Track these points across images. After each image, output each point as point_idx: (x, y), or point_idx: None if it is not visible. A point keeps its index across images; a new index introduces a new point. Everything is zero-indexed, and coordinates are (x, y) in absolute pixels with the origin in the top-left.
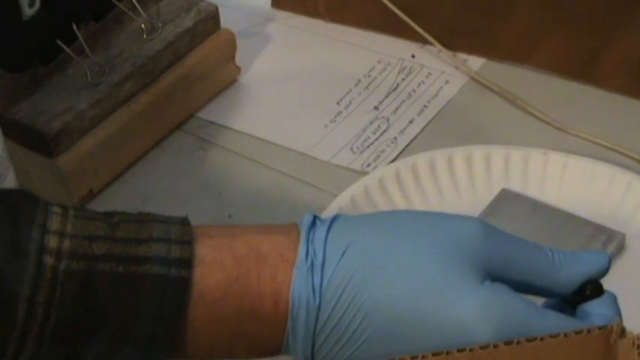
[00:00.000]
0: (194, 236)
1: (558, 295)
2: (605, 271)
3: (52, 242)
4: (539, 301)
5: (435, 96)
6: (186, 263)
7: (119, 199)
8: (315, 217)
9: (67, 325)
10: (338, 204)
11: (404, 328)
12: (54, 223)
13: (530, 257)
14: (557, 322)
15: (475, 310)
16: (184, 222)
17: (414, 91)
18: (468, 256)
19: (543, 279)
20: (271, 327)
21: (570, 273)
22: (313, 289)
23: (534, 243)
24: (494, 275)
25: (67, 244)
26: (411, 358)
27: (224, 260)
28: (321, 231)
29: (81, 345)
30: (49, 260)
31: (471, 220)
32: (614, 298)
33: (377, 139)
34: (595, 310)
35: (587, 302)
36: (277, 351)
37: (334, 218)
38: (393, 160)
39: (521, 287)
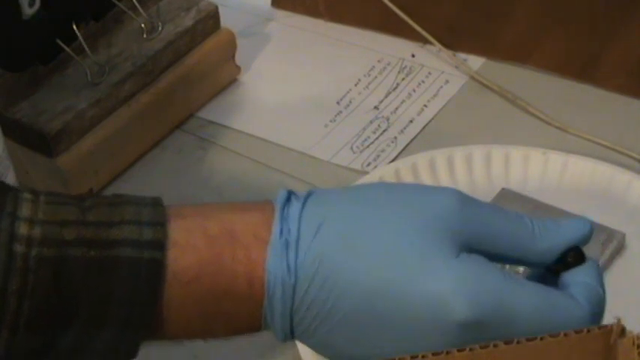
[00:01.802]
0: (167, 217)
1: (539, 264)
2: (586, 238)
3: (23, 229)
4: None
5: (435, 95)
6: (159, 245)
7: None
8: (290, 193)
9: (41, 313)
10: None
11: (380, 304)
12: (24, 210)
13: (510, 227)
14: (534, 293)
15: (450, 284)
16: (157, 203)
17: (414, 90)
18: (443, 228)
19: (523, 248)
20: (248, 306)
21: (551, 241)
22: (288, 266)
23: (514, 212)
24: (472, 246)
25: (37, 230)
26: (411, 357)
27: (197, 241)
28: (295, 207)
29: (57, 332)
30: (19, 248)
31: (447, 191)
32: (597, 266)
33: (377, 138)
34: (576, 278)
35: (569, 270)
36: (256, 329)
37: (309, 193)
38: (393, 160)
39: (501, 257)
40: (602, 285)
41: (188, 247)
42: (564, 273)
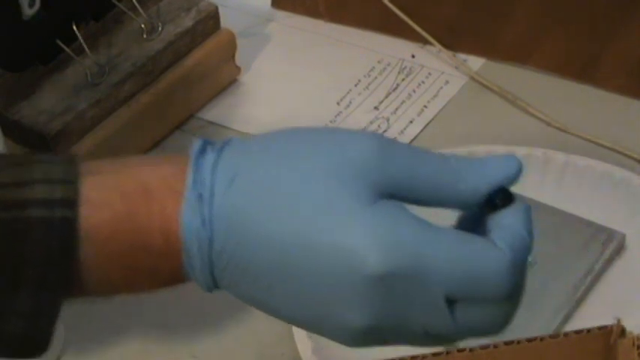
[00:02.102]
0: (79, 175)
1: (465, 207)
2: (514, 177)
3: None
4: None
5: (435, 96)
6: (71, 203)
7: None
8: (206, 143)
9: None
10: None
11: (295, 257)
12: None
13: (433, 169)
14: (451, 242)
15: (362, 235)
16: (70, 161)
17: (414, 91)
18: (359, 174)
19: (447, 191)
20: (167, 261)
21: (476, 182)
22: (202, 220)
23: (437, 153)
24: (391, 192)
25: None
26: (411, 358)
27: (111, 197)
28: (209, 158)
29: None
30: None
31: (365, 136)
32: (527, 208)
33: None
34: (502, 221)
35: (497, 212)
36: (181, 281)
37: (226, 143)
38: None
39: (425, 200)
40: (528, 229)
41: (102, 204)
42: (491, 215)
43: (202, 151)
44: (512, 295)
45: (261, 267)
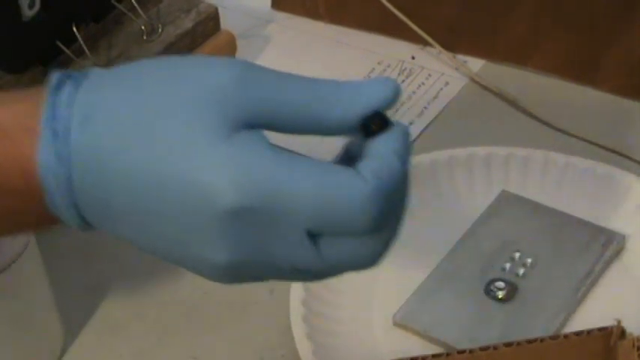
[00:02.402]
0: None
1: (339, 133)
2: (390, 99)
3: None
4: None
5: (435, 97)
6: None
7: None
8: (64, 77)
9: None
10: None
11: (151, 193)
12: None
13: (300, 95)
14: (311, 174)
15: (216, 169)
16: None
17: (414, 92)
18: (216, 106)
19: (317, 117)
20: (29, 202)
21: (348, 107)
22: (59, 158)
23: (307, 78)
24: (255, 122)
25: None
26: (411, 359)
27: None
28: (66, 92)
29: None
30: None
31: (225, 63)
32: (403, 133)
33: None
34: (376, 147)
35: (372, 139)
36: (54, 222)
37: (83, 76)
38: None
39: (294, 129)
40: (401, 155)
41: None
42: (367, 142)
43: (59, 85)
44: (379, 227)
45: (121, 203)
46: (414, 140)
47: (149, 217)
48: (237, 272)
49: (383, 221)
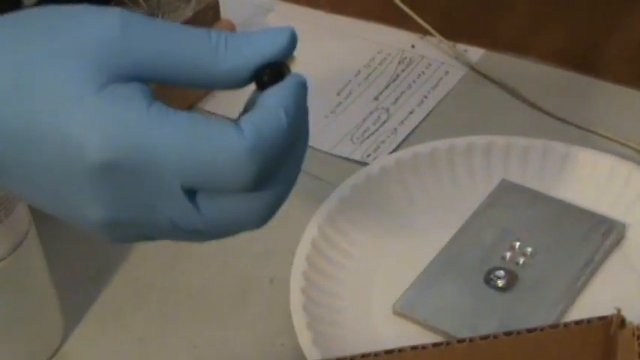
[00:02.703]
0: None
1: (228, 86)
2: (285, 50)
3: None
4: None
5: (435, 87)
6: None
7: None
8: None
9: None
10: (339, 194)
11: (25, 145)
12: None
13: (187, 47)
14: (184, 128)
15: (84, 122)
16: None
17: (414, 81)
18: (92, 57)
19: (205, 70)
20: None
21: (239, 58)
22: None
23: (195, 29)
24: (136, 74)
25: None
26: (412, 348)
27: None
28: None
29: None
30: None
31: (106, 14)
32: (296, 85)
33: (377, 129)
34: (264, 100)
35: (265, 90)
36: None
37: None
38: (393, 151)
39: (180, 81)
40: (289, 108)
41: None
42: (260, 94)
43: None
44: (259, 184)
45: (1, 154)
46: (414, 129)
47: (28, 170)
48: (117, 228)
49: (264, 178)
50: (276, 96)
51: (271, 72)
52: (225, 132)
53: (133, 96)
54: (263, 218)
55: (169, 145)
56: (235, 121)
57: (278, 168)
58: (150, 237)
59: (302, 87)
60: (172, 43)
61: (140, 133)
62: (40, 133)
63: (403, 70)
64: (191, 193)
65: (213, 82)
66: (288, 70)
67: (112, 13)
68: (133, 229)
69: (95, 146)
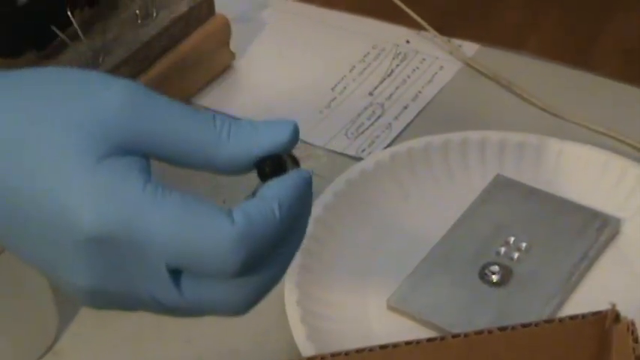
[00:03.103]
0: None
1: (229, 172)
2: (288, 143)
3: None
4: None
5: (430, 82)
6: None
7: None
8: None
9: None
10: (333, 189)
11: (19, 207)
12: None
13: (188, 128)
14: (176, 209)
15: (79, 194)
16: None
17: (409, 76)
18: (94, 129)
19: (206, 153)
20: None
21: (241, 146)
22: None
23: (202, 112)
24: (137, 149)
25: None
26: (406, 343)
27: None
28: None
29: None
30: None
31: (114, 85)
32: (298, 181)
33: (372, 124)
34: (263, 191)
35: (267, 182)
36: None
37: None
38: (387, 146)
39: (181, 162)
40: (283, 203)
41: None
42: (264, 184)
43: None
44: (244, 272)
45: None
46: (409, 124)
47: (20, 230)
48: (100, 298)
49: (250, 267)
50: (274, 189)
51: (272, 163)
52: (215, 217)
53: (130, 172)
54: (246, 305)
55: (160, 226)
56: (229, 208)
57: (267, 257)
58: (131, 308)
59: (304, 183)
60: (176, 124)
61: (134, 212)
62: (36, 198)
63: (398, 65)
64: (176, 273)
65: (213, 167)
66: (296, 163)
67: (119, 84)
68: (115, 300)
69: (89, 219)
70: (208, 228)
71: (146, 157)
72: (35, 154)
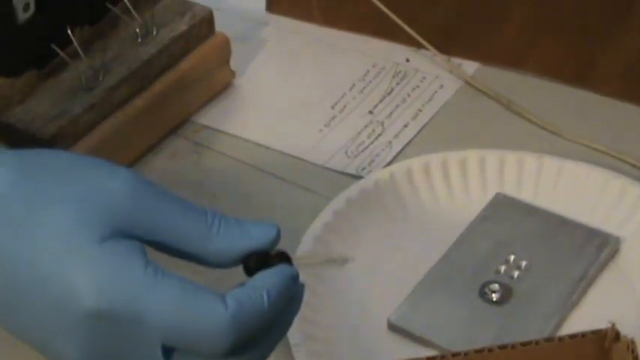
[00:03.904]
0: None
1: (216, 265)
2: (271, 243)
3: None
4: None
5: (430, 100)
6: None
7: None
8: None
9: None
10: (333, 207)
11: (20, 280)
12: None
13: (182, 220)
14: (173, 291)
15: (82, 271)
16: None
17: (409, 95)
18: (96, 211)
19: (196, 246)
20: None
21: (229, 242)
22: None
23: (196, 207)
24: (134, 234)
25: None
26: None
27: None
28: None
29: None
30: None
31: (119, 174)
32: (284, 275)
33: (372, 143)
34: (254, 279)
35: (253, 275)
36: None
37: None
38: (387, 164)
39: (172, 251)
40: (271, 292)
41: None
42: (251, 278)
43: None
44: (234, 353)
45: None
46: (409, 143)
47: (16, 302)
48: None
49: (239, 348)
50: (263, 279)
51: (257, 259)
52: (210, 301)
53: (131, 254)
54: None
55: (160, 306)
56: (222, 294)
57: (254, 340)
58: None
59: (290, 279)
60: (173, 216)
61: (134, 292)
62: (39, 273)
63: (398, 84)
64: (168, 351)
65: (202, 258)
66: (286, 258)
67: (126, 173)
68: None
69: (90, 296)
70: (204, 311)
71: (142, 241)
72: (41, 229)
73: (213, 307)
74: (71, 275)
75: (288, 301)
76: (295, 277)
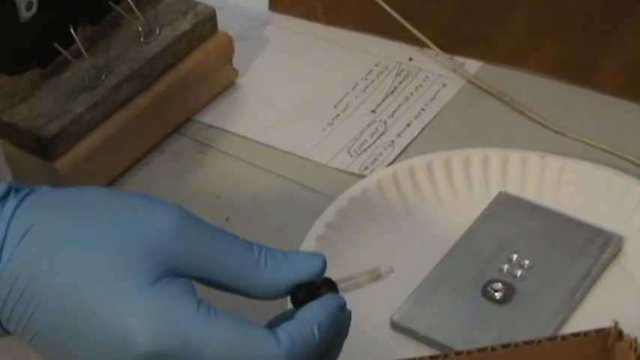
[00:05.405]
0: None
1: (264, 298)
2: (317, 274)
3: None
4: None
5: (433, 99)
6: None
7: None
8: (11, 188)
9: None
10: (336, 206)
11: (70, 321)
12: None
13: (231, 256)
14: (227, 330)
15: (136, 313)
16: None
17: (412, 94)
18: (149, 251)
19: (244, 280)
20: None
21: (277, 275)
22: None
23: (242, 241)
24: (183, 272)
25: None
26: None
27: None
28: (9, 206)
29: None
30: None
31: (168, 210)
32: (332, 304)
33: (374, 142)
34: (302, 313)
35: (302, 307)
36: None
37: (30, 191)
38: (390, 163)
39: (220, 286)
40: (322, 324)
41: None
42: (300, 309)
43: (5, 196)
44: None
45: (42, 322)
46: (412, 142)
47: (66, 341)
48: None
49: None
50: (313, 312)
51: (305, 291)
52: (263, 339)
53: (184, 294)
54: None
55: (214, 347)
56: (273, 328)
57: None
58: None
59: (338, 309)
60: (219, 249)
61: (188, 332)
62: (90, 315)
63: (400, 83)
64: None
65: (251, 292)
66: (333, 287)
67: (173, 210)
68: None
69: (145, 338)
70: (258, 349)
71: (191, 278)
72: (93, 271)
73: (266, 345)
74: (125, 318)
75: (337, 330)
76: (343, 307)
